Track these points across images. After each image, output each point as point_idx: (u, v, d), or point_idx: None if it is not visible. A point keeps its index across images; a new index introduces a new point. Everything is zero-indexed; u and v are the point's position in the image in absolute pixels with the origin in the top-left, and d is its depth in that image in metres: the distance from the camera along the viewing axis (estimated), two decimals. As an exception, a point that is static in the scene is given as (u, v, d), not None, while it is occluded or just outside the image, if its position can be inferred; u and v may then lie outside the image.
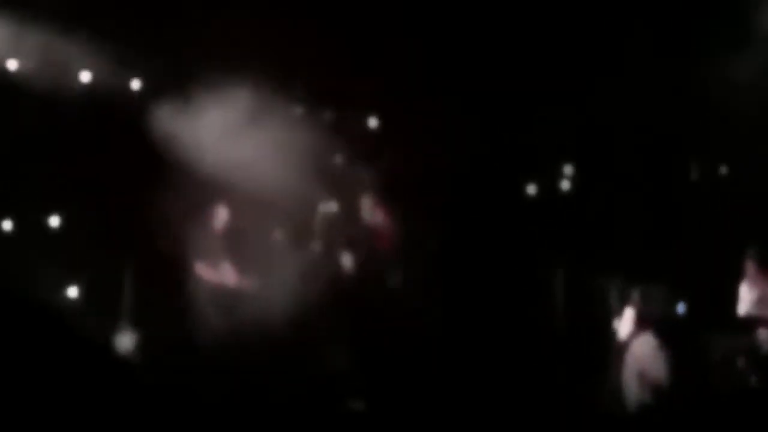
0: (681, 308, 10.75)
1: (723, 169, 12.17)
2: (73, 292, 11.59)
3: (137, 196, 11.57)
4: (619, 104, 11.70)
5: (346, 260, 11.96)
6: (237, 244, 11.90)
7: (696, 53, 11.61)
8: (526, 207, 12.40)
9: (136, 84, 12.03)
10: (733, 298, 10.85)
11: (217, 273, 11.72)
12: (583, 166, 12.30)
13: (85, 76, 11.81)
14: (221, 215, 11.89)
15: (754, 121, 11.36)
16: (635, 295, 10.48)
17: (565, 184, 12.08)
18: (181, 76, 11.80)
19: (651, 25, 11.63)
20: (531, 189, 12.39)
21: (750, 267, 10.82)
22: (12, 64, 11.53)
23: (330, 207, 12.22)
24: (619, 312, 10.53)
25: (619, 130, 11.87)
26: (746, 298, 10.89)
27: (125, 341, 11.41)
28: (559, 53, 11.72)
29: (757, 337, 10.62)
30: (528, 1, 11.91)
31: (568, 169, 12.11)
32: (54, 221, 11.75)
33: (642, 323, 10.23)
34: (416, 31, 11.73)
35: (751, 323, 10.70)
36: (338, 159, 12.42)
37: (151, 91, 11.96)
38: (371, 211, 11.96)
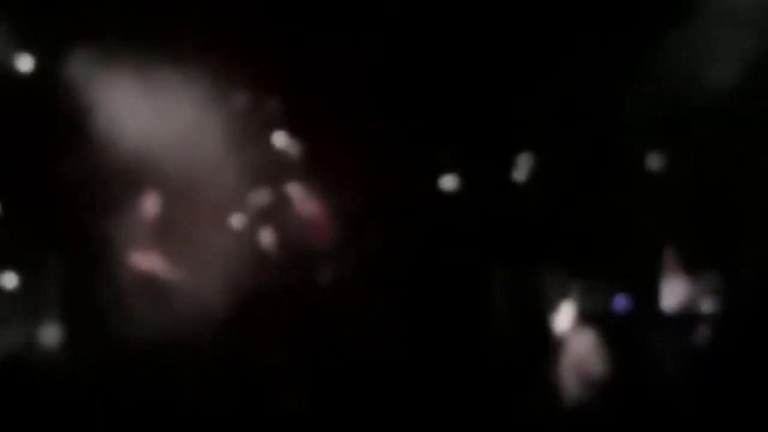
0: (619, 303, 10.72)
1: (659, 163, 12.14)
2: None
3: (63, 183, 11.29)
4: (562, 98, 11.62)
5: (277, 252, 11.74)
6: (167, 234, 11.60)
7: (637, 51, 11.55)
8: (463, 200, 12.27)
9: (61, 66, 11.62)
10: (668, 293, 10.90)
11: (147, 263, 11.42)
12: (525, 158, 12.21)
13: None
14: (150, 204, 11.58)
15: (690, 114, 11.33)
16: (573, 289, 10.49)
17: (517, 176, 11.97)
18: (107, 57, 11.40)
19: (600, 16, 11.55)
20: (468, 182, 12.25)
21: (670, 261, 10.89)
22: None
23: (261, 196, 11.97)
24: (557, 307, 10.51)
25: (562, 123, 11.78)
26: (675, 293, 10.94)
27: (50, 335, 11.11)
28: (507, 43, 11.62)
29: (693, 332, 10.66)
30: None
31: (521, 160, 11.98)
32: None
33: (580, 318, 10.24)
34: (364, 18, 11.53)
35: (685, 318, 10.74)
36: (271, 146, 12.17)
37: (77, 74, 11.57)
38: (304, 202, 11.72)
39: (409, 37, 11.81)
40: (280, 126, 12.19)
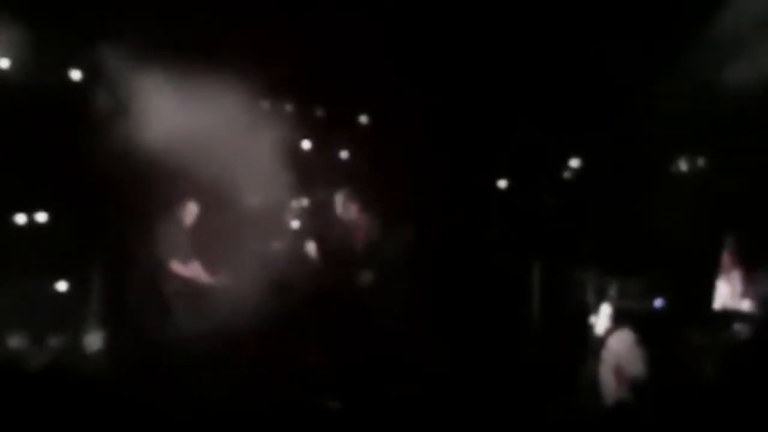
0: (658, 303, 10.61)
1: (701, 162, 12.06)
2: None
3: (105, 193, 11.42)
4: (600, 99, 11.60)
5: (318, 257, 11.79)
6: (208, 241, 11.71)
7: (677, 50, 11.49)
8: (502, 201, 12.28)
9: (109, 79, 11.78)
10: (710, 292, 10.74)
11: (188, 269, 11.52)
12: (564, 161, 12.22)
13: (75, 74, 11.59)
14: (191, 211, 11.69)
15: (732, 114, 11.24)
16: (612, 290, 10.41)
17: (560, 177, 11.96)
18: (148, 66, 11.54)
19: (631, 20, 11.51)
20: (506, 183, 12.26)
21: (726, 260, 10.70)
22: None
23: (302, 203, 12.06)
24: (595, 307, 10.45)
25: (599, 125, 11.76)
26: (722, 292, 10.79)
27: (94, 340, 11.24)
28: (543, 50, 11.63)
29: (734, 332, 10.50)
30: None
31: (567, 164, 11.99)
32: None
33: (619, 318, 10.16)
34: (401, 29, 11.58)
35: (727, 318, 10.58)
36: (311, 154, 12.27)
37: (122, 86, 11.71)
38: (345, 207, 11.77)
39: (455, 42, 11.86)
40: (318, 133, 12.30)
